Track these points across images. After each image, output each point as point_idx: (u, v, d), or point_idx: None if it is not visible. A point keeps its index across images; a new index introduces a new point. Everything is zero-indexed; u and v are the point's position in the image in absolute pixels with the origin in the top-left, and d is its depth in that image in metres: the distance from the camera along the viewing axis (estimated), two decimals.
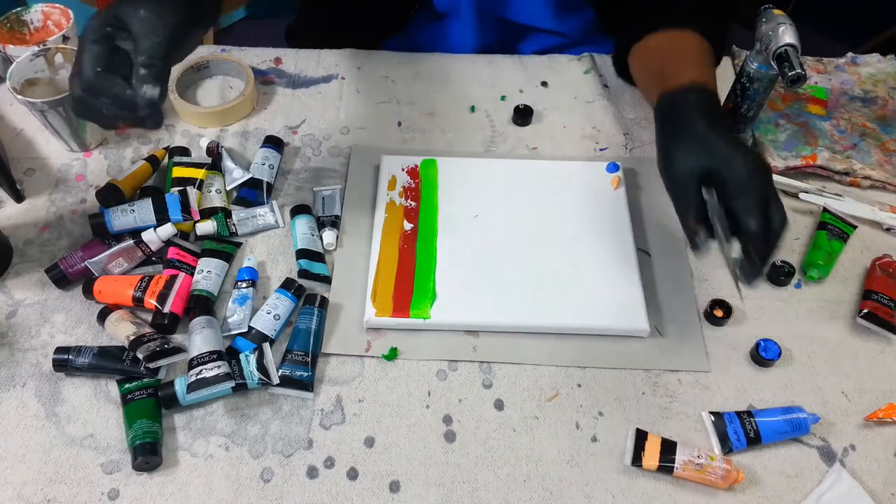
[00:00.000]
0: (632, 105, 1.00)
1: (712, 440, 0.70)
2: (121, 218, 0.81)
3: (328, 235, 0.83)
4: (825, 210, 0.86)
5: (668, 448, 0.68)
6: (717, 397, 0.74)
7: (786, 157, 0.91)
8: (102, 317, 0.75)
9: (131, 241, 0.80)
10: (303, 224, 0.83)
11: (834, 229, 0.84)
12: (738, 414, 0.71)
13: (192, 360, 0.70)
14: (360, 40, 1.07)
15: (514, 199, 0.86)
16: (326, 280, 0.80)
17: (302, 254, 0.81)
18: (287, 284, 0.78)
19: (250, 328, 0.75)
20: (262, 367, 0.71)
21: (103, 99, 0.61)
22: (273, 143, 0.91)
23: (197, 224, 0.83)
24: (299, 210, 0.85)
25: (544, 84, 1.02)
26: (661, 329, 0.78)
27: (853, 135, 0.94)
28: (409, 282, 0.78)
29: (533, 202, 0.86)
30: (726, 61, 1.06)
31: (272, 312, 0.76)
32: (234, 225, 0.84)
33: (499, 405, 0.73)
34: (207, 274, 0.78)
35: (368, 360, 0.76)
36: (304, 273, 0.79)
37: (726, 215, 0.68)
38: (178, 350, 0.73)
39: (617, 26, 0.99)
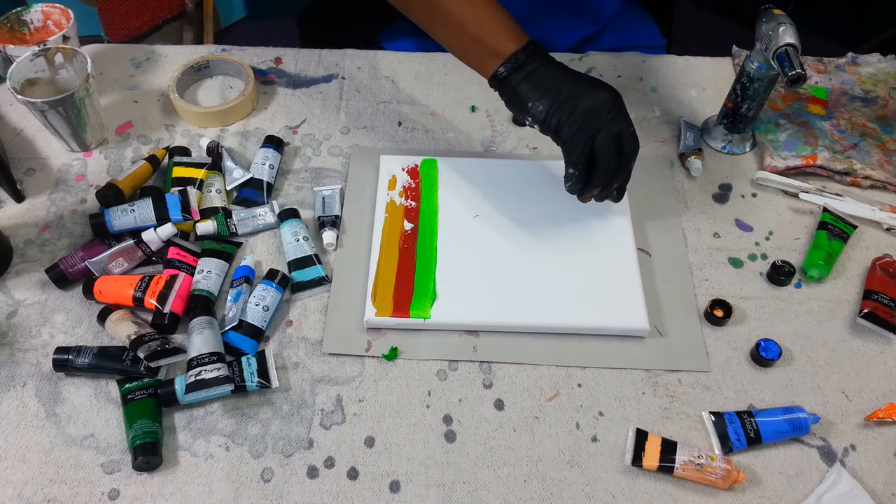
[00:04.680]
0: (632, 105, 1.00)
1: (712, 440, 0.70)
2: (121, 218, 0.81)
3: (328, 235, 0.83)
4: (825, 210, 0.86)
5: (669, 448, 0.68)
6: (718, 397, 0.74)
7: (786, 157, 0.91)
8: (102, 317, 0.75)
9: (131, 241, 0.80)
10: (287, 232, 0.82)
11: (834, 229, 0.84)
12: (739, 414, 0.71)
13: (191, 360, 0.70)
14: (373, 23, 1.06)
15: (514, 199, 0.86)
16: (324, 281, 0.80)
17: (292, 266, 0.81)
18: (271, 275, 0.78)
19: (241, 321, 0.75)
20: (263, 373, 0.72)
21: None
22: (273, 143, 0.91)
23: (197, 224, 0.83)
24: (284, 216, 0.84)
25: None
26: (661, 329, 0.78)
27: (853, 135, 0.94)
28: (409, 282, 0.78)
29: (533, 202, 0.86)
30: (727, 61, 1.06)
31: (260, 304, 0.76)
32: (234, 225, 0.84)
33: (499, 405, 0.73)
34: (207, 274, 0.78)
35: (368, 360, 0.76)
36: (299, 286, 0.79)
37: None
38: (179, 350, 0.73)
39: None
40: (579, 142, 0.71)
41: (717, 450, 0.70)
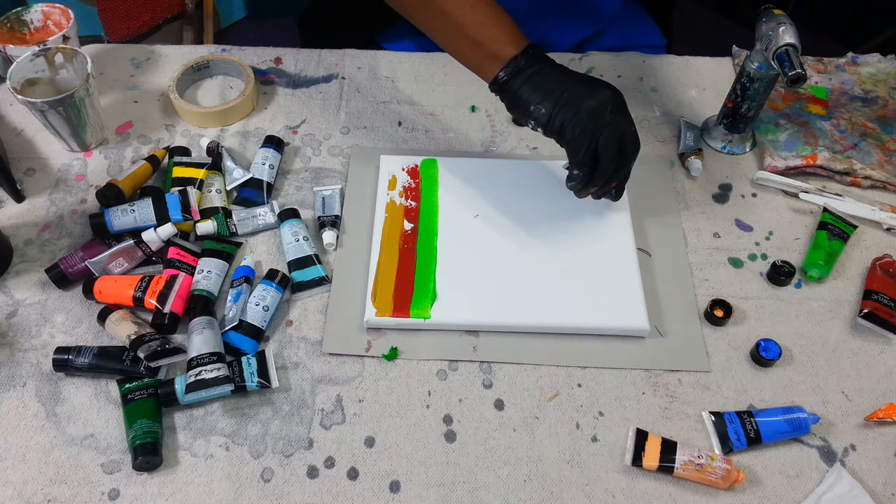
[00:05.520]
0: (632, 105, 1.00)
1: (712, 440, 0.70)
2: (121, 218, 0.81)
3: (328, 235, 0.83)
4: (825, 210, 0.86)
5: (669, 448, 0.68)
6: (718, 397, 0.74)
7: (786, 157, 0.91)
8: (102, 317, 0.75)
9: (131, 241, 0.80)
10: (287, 232, 0.82)
11: (834, 229, 0.84)
12: (739, 414, 0.71)
13: (191, 360, 0.70)
14: (373, 24, 1.06)
15: (514, 199, 0.86)
16: (324, 281, 0.80)
17: (292, 266, 0.81)
18: (271, 275, 0.78)
19: (241, 321, 0.75)
20: (263, 373, 0.72)
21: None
22: (273, 143, 0.91)
23: (197, 224, 0.83)
24: (284, 216, 0.84)
25: None
26: (661, 329, 0.78)
27: (853, 135, 0.94)
28: (409, 282, 0.78)
29: (533, 202, 0.86)
30: (727, 61, 1.06)
31: (260, 304, 0.76)
32: (234, 225, 0.84)
33: (499, 405, 0.73)
34: (208, 274, 0.78)
35: (368, 360, 0.76)
36: (299, 286, 0.79)
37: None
38: (179, 350, 0.73)
39: None
40: (584, 142, 0.71)
41: (717, 450, 0.70)
